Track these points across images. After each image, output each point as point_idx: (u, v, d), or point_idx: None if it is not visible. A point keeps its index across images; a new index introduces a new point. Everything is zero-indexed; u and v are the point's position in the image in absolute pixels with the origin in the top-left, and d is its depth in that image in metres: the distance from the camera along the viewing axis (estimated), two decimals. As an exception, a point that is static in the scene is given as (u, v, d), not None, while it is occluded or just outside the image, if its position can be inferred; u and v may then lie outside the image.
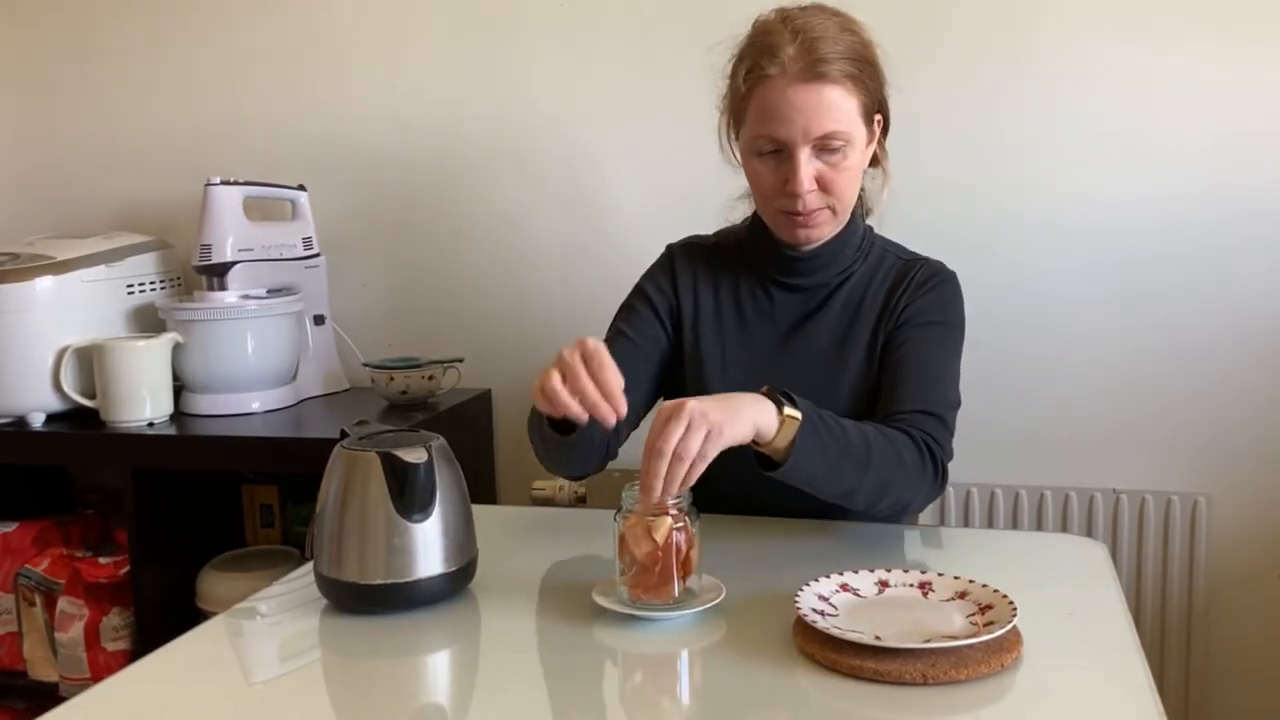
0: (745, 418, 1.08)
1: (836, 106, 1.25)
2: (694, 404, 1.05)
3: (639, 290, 1.46)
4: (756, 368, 1.37)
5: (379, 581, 1.06)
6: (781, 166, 1.28)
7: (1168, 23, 1.80)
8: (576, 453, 1.27)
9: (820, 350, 1.37)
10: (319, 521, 1.09)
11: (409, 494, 1.06)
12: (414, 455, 1.05)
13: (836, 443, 1.16)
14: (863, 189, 1.42)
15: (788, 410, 1.12)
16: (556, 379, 1.09)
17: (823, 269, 1.38)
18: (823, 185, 1.28)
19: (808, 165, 1.26)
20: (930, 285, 1.37)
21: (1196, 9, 1.79)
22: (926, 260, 1.42)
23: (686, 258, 1.46)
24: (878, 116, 1.34)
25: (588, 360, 1.08)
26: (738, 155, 1.37)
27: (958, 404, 1.35)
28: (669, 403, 1.06)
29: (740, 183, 1.45)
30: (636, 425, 1.39)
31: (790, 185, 1.27)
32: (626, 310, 1.46)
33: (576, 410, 1.07)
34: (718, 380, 1.38)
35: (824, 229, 1.33)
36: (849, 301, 1.38)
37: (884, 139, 1.38)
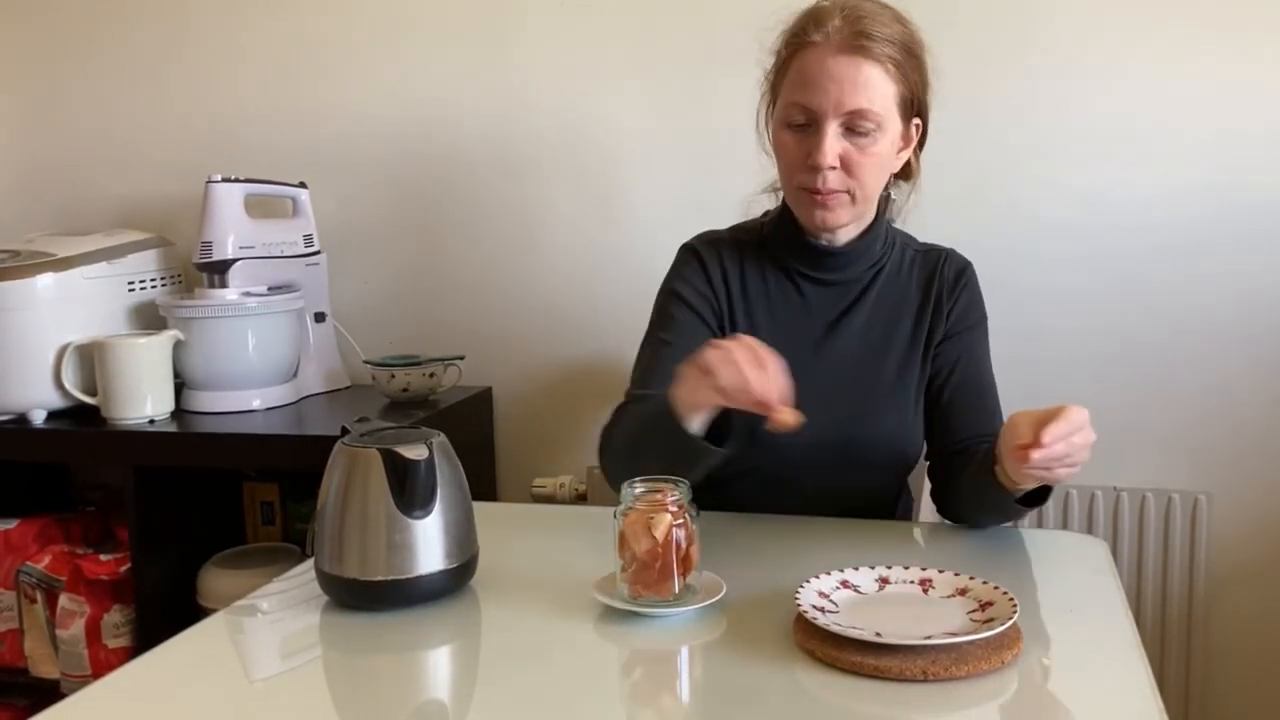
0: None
1: (873, 85, 1.23)
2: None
3: (673, 295, 1.40)
4: (796, 365, 1.36)
5: (380, 578, 1.06)
6: (808, 140, 1.26)
7: (1170, 22, 1.80)
8: (701, 469, 1.20)
9: (858, 347, 1.37)
10: (319, 518, 1.09)
11: (410, 491, 1.06)
12: (415, 452, 1.05)
13: None
14: (891, 198, 1.41)
15: None
16: (750, 370, 1.06)
17: (854, 264, 1.37)
18: (846, 165, 1.26)
19: (834, 141, 1.25)
20: (963, 282, 1.40)
21: (1199, 8, 1.79)
22: (942, 250, 1.43)
23: (712, 253, 1.40)
24: (916, 121, 1.33)
25: (764, 363, 1.06)
26: (771, 138, 1.35)
27: None
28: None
29: (759, 179, 1.44)
30: None
31: (813, 158, 1.25)
32: (666, 319, 1.39)
33: (776, 399, 1.06)
34: None
35: (841, 214, 1.30)
36: (883, 296, 1.38)
37: (920, 150, 1.37)
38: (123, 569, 1.87)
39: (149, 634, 1.85)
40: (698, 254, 1.41)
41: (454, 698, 0.94)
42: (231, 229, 1.93)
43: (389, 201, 2.14)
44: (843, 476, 1.33)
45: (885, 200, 1.40)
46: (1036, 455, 1.05)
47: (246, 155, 2.17)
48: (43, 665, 1.97)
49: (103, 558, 1.90)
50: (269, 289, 1.96)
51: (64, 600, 1.90)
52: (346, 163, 2.15)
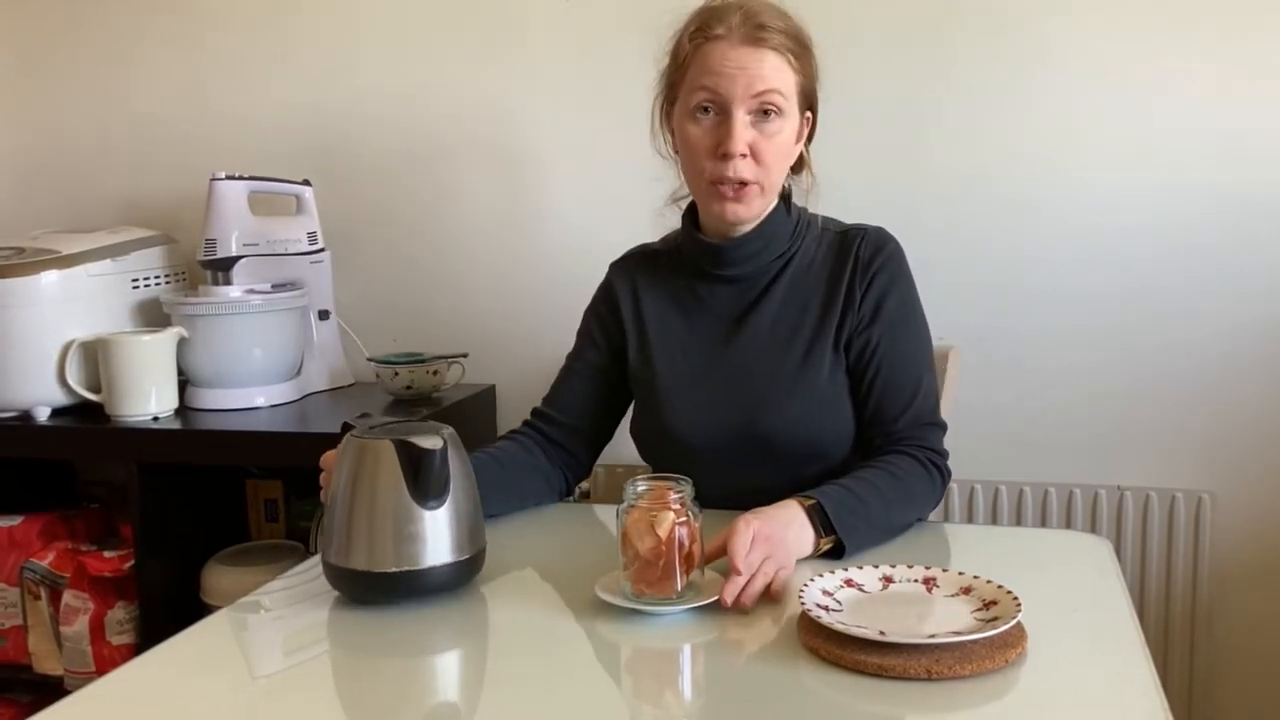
0: (795, 555, 1.14)
1: (776, 72, 1.27)
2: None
3: (584, 318, 1.50)
4: (701, 364, 1.38)
5: (390, 569, 1.06)
6: (717, 130, 1.28)
7: (1172, 21, 1.79)
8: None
9: (764, 340, 1.36)
10: (328, 511, 1.09)
11: (424, 481, 1.06)
12: (429, 442, 1.05)
13: (870, 527, 1.21)
14: (791, 190, 1.40)
15: (824, 543, 1.18)
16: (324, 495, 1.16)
17: (755, 257, 1.37)
18: (754, 154, 1.28)
19: (743, 127, 1.27)
20: (879, 264, 1.36)
21: (1200, 7, 1.78)
22: (862, 230, 1.39)
23: (624, 271, 1.47)
24: (808, 113, 1.35)
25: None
26: (668, 141, 1.37)
27: (939, 394, 1.39)
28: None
29: (672, 186, 1.44)
30: (598, 450, 1.50)
31: (724, 145, 1.27)
32: (576, 339, 1.50)
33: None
34: (669, 379, 1.39)
35: (753, 206, 1.32)
36: (792, 286, 1.38)
37: (809, 143, 1.38)
38: (126, 566, 1.88)
39: (152, 631, 1.85)
40: (609, 278, 1.49)
41: (457, 695, 0.94)
42: (235, 226, 1.93)
43: (393, 199, 2.14)
44: (764, 473, 1.32)
45: (788, 192, 1.40)
46: (736, 601, 1.05)
47: (250, 153, 2.17)
48: (46, 662, 1.98)
49: (106, 555, 1.90)
50: (273, 286, 1.96)
51: (68, 597, 1.90)
52: (350, 160, 2.15)
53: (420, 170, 2.12)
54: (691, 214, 1.41)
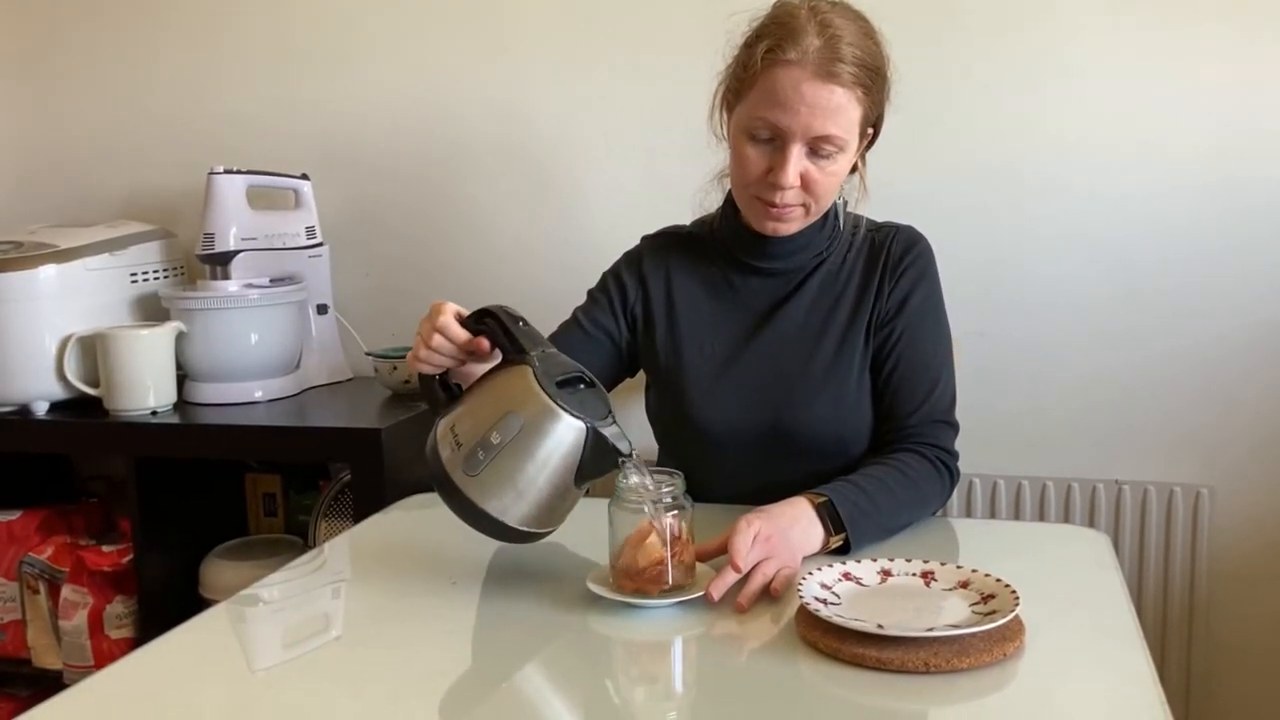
0: (799, 553, 1.14)
1: (842, 111, 1.24)
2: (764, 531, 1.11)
3: (603, 279, 1.48)
4: (729, 354, 1.38)
5: (533, 529, 1.09)
6: (771, 155, 1.27)
7: (1175, 20, 1.79)
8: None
9: (795, 335, 1.37)
10: (465, 417, 1.10)
11: (592, 470, 1.08)
12: (623, 445, 1.07)
13: (879, 527, 1.22)
14: (843, 199, 1.41)
15: (833, 541, 1.18)
16: (421, 350, 1.19)
17: (796, 253, 1.38)
18: (805, 184, 1.27)
19: (797, 162, 1.26)
20: (909, 261, 1.37)
21: (1203, 7, 1.78)
22: (895, 228, 1.41)
23: (658, 250, 1.46)
24: (869, 130, 1.34)
25: (430, 323, 1.18)
26: (725, 129, 1.35)
27: (955, 394, 1.38)
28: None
29: (711, 166, 1.44)
30: None
31: (774, 176, 1.26)
32: (589, 297, 1.48)
33: (439, 361, 1.18)
34: (696, 366, 1.39)
35: (794, 224, 1.33)
36: (825, 284, 1.38)
37: (867, 149, 1.37)
38: (125, 560, 1.88)
39: (151, 625, 1.85)
40: (641, 250, 1.48)
41: (449, 688, 0.94)
42: (234, 221, 1.93)
43: (391, 193, 2.14)
44: (785, 467, 1.32)
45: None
46: (735, 602, 1.06)
47: (249, 147, 2.17)
48: (45, 656, 1.98)
49: (105, 549, 1.90)
50: (271, 281, 1.96)
51: (66, 591, 1.90)
52: (349, 155, 2.14)
53: (419, 165, 2.12)
54: (734, 201, 1.39)
